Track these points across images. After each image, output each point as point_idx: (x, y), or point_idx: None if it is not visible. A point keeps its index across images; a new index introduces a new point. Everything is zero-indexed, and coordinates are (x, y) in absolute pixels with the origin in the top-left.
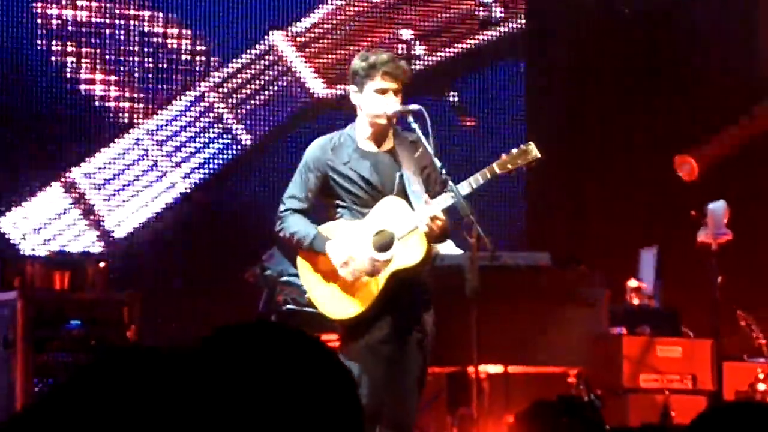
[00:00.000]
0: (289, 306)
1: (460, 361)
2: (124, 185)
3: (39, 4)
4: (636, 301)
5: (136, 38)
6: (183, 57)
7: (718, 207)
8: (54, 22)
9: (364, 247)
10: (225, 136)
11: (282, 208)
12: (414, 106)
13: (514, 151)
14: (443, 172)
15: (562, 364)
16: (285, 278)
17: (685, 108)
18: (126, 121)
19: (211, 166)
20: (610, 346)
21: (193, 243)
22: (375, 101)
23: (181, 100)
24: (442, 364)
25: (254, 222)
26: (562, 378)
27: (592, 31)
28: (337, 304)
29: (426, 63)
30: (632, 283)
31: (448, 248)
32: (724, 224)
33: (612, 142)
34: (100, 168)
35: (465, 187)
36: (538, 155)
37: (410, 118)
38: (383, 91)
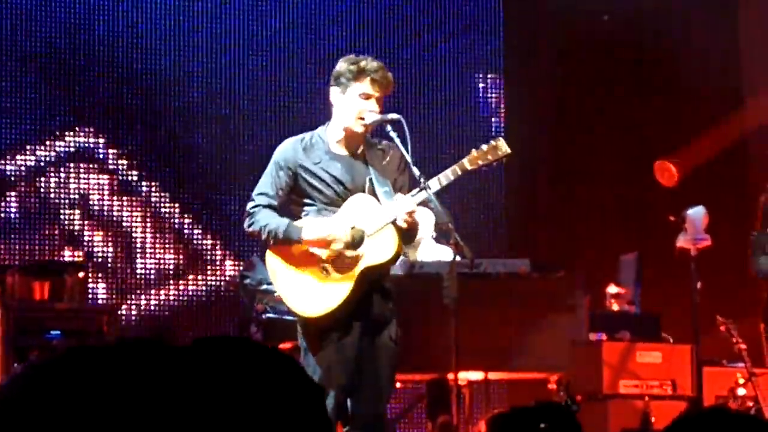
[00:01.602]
0: (268, 314)
1: (440, 368)
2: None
3: None
4: (616, 307)
5: None
6: None
7: (697, 212)
8: None
9: (332, 227)
10: None
11: (251, 204)
12: (393, 115)
13: (484, 146)
14: (422, 180)
15: (542, 370)
16: (264, 287)
17: (664, 114)
18: None
19: None
20: (590, 352)
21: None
22: (356, 105)
23: None
24: (422, 371)
25: (238, 231)
26: (543, 384)
27: (573, 38)
28: (308, 301)
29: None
30: (612, 288)
31: (429, 247)
32: (703, 230)
33: (591, 148)
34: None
35: (434, 184)
36: (509, 151)
37: (388, 127)
38: (368, 97)
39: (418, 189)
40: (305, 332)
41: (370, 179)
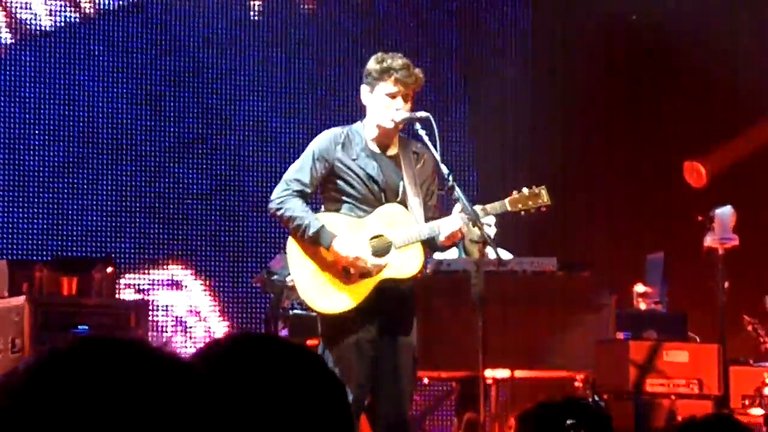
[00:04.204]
0: (295, 311)
1: (467, 366)
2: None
3: None
4: (643, 306)
5: None
6: None
7: (725, 212)
8: None
9: (361, 248)
10: None
11: (283, 187)
12: (422, 114)
13: (526, 191)
14: (450, 178)
15: (569, 368)
16: (291, 283)
17: (693, 114)
18: None
19: None
20: (616, 351)
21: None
22: (383, 104)
23: None
24: (448, 368)
25: (265, 227)
26: (569, 382)
27: (600, 36)
28: (323, 298)
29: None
30: (639, 287)
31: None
32: (730, 229)
33: (619, 147)
34: None
35: (480, 211)
36: (549, 202)
37: (417, 125)
38: (393, 96)
39: (451, 196)
40: (324, 330)
41: (403, 186)
